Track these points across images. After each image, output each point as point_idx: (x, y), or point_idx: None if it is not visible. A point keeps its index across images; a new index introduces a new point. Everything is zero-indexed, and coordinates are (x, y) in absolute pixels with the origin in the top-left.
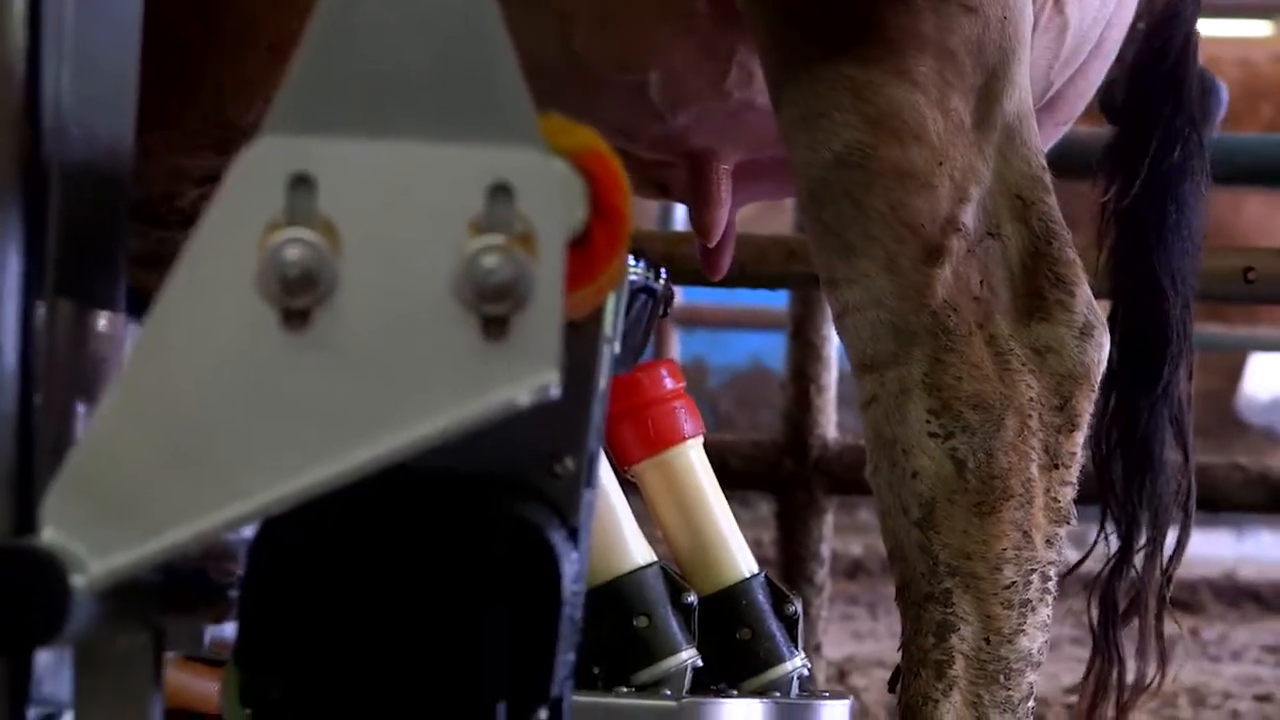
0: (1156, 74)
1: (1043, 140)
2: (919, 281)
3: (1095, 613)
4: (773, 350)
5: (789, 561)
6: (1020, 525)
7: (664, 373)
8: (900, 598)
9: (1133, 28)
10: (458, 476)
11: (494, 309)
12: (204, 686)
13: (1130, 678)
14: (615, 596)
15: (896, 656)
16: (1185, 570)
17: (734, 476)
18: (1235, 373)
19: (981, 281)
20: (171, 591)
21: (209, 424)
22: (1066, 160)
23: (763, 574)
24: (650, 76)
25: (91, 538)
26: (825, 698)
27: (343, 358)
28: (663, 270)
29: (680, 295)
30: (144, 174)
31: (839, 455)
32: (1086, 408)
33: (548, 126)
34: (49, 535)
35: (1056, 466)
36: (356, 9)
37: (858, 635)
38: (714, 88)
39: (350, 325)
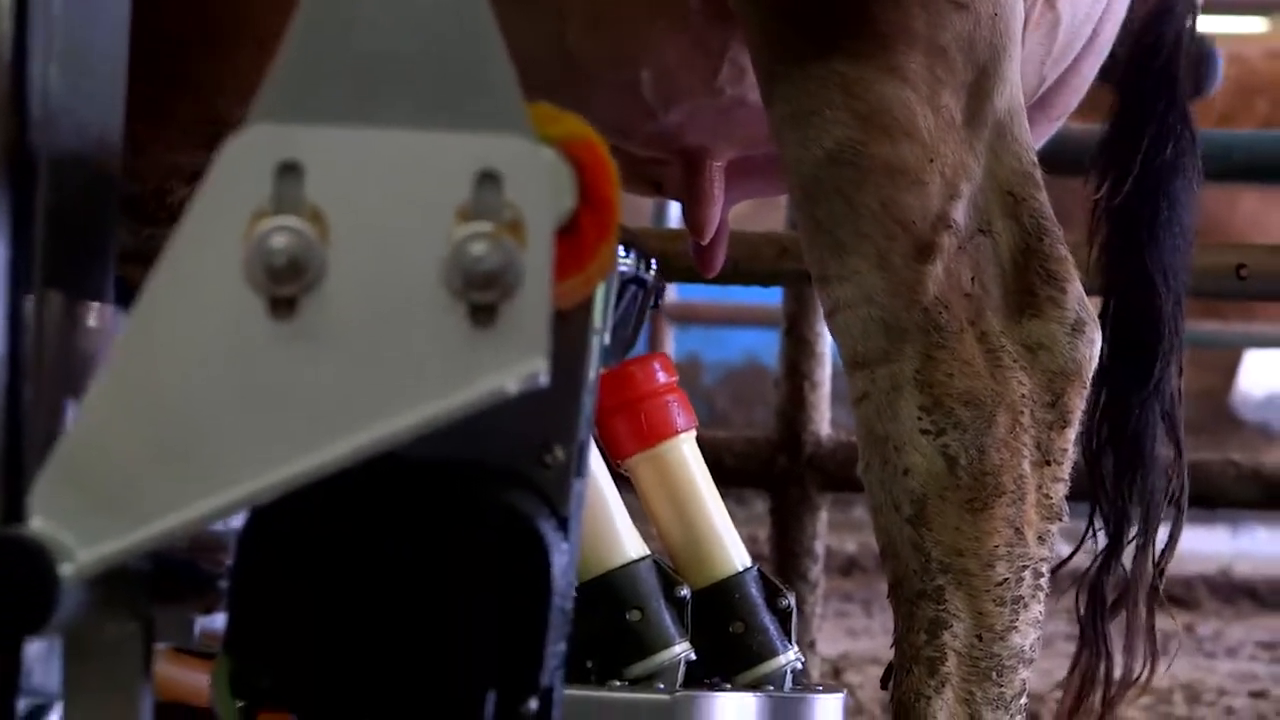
0: (1149, 70)
1: (1035, 137)
2: (910, 278)
3: (1083, 607)
4: (768, 347)
5: (783, 558)
6: (1012, 522)
7: (657, 366)
8: (893, 594)
9: (1127, 23)
10: (447, 466)
11: (482, 297)
12: (194, 679)
13: (1118, 673)
14: (608, 590)
15: (891, 653)
16: (1181, 566)
17: (728, 473)
18: (1230, 370)
19: (973, 278)
20: (161, 581)
21: (196, 413)
22: (1058, 157)
23: (756, 568)
24: (642, 74)
25: (80, 527)
26: (819, 691)
27: (330, 346)
28: (653, 261)
29: (675, 292)
30: (135, 170)
31: (833, 452)
32: (1078, 404)
33: (536, 115)
34: (37, 524)
35: (1048, 463)
36: None
37: (852, 632)
38: (706, 85)
39: (338, 313)
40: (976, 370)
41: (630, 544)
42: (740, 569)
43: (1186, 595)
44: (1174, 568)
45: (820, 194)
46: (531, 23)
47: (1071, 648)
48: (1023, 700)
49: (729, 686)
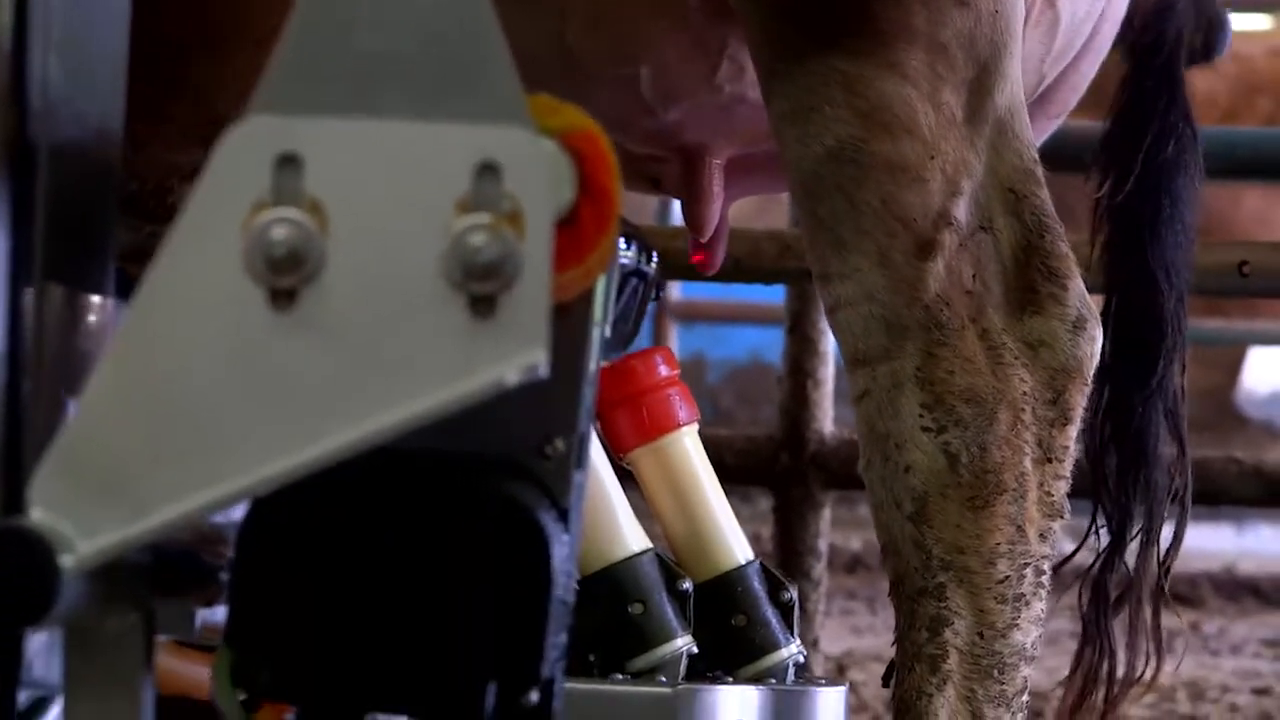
0: (1150, 68)
1: (1035, 134)
2: (911, 276)
3: (1086, 605)
4: (773, 345)
5: (786, 557)
6: (1014, 519)
7: (658, 359)
8: (894, 592)
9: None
10: (447, 457)
11: (481, 288)
12: (195, 672)
13: (1121, 671)
14: (610, 583)
15: (894, 651)
16: (1185, 564)
17: (731, 472)
18: (1235, 367)
19: (974, 275)
20: (162, 574)
21: (196, 404)
22: (1060, 154)
23: (758, 561)
24: (642, 71)
25: (80, 518)
26: (821, 684)
27: (330, 337)
28: (654, 253)
29: (680, 291)
30: (135, 168)
31: (836, 450)
32: (1079, 401)
33: (536, 106)
34: (37, 515)
35: (1050, 460)
36: None
37: (857, 630)
38: (706, 82)
39: (337, 304)
40: (978, 367)
41: (632, 537)
42: (742, 562)
43: (1191, 593)
44: (1178, 565)
45: (821, 191)
46: (531, 20)
47: (1076, 645)
48: (1024, 697)
49: (731, 680)
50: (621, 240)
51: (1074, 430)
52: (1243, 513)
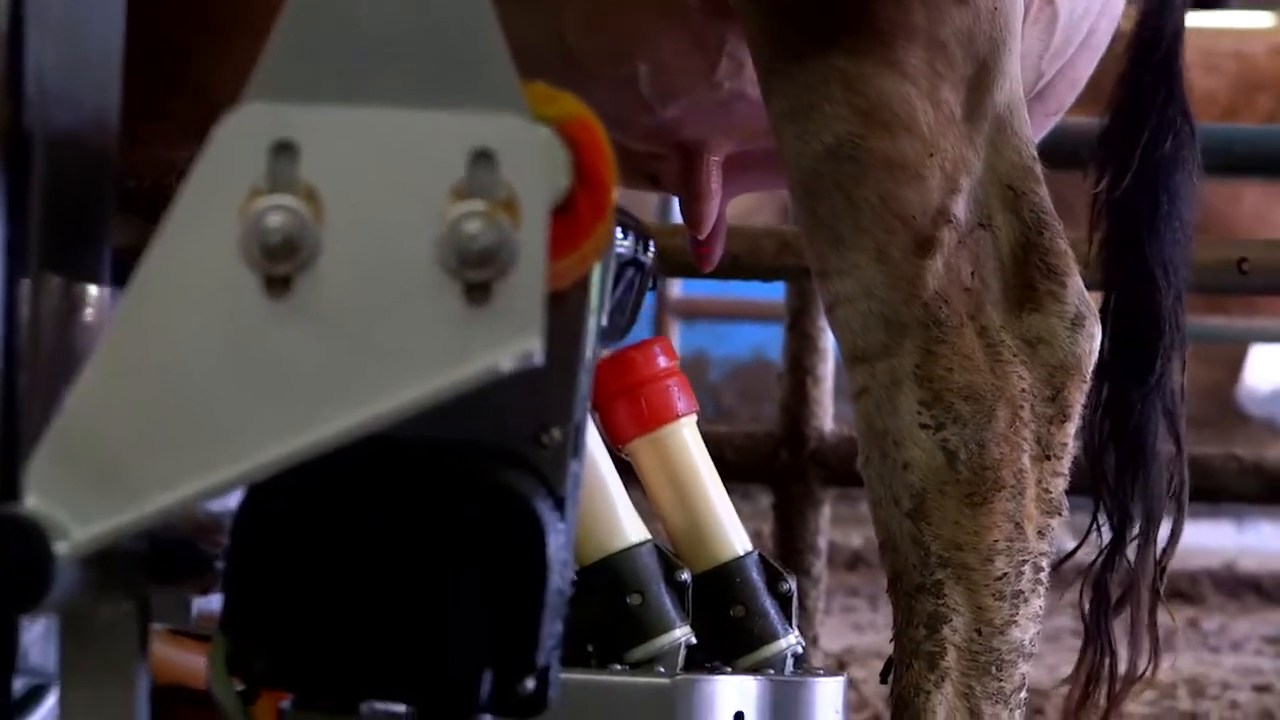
0: (1148, 64)
1: (1034, 131)
2: (910, 273)
3: (1087, 603)
4: (775, 343)
5: (786, 553)
6: (1012, 516)
7: (657, 350)
8: (892, 589)
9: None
10: (443, 445)
11: (476, 275)
12: (191, 660)
13: (1123, 668)
14: (609, 574)
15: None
16: (1186, 561)
17: (731, 468)
18: (1236, 365)
19: (973, 272)
20: (157, 562)
21: (191, 391)
22: (1058, 150)
23: (756, 552)
24: (640, 68)
25: (75, 505)
26: (820, 675)
27: (325, 324)
28: (650, 242)
29: (681, 288)
30: (132, 165)
31: (835, 447)
32: (1078, 399)
33: (532, 94)
34: (32, 502)
35: (1048, 458)
36: None
37: (857, 627)
38: (704, 79)
39: (332, 291)
40: (976, 365)
41: (631, 528)
42: (741, 553)
43: (1191, 590)
44: (1179, 562)
45: (820, 189)
46: (529, 17)
47: (1078, 643)
48: (1022, 694)
49: (729, 670)
50: (618, 229)
51: (1072, 427)
52: (1243, 510)
